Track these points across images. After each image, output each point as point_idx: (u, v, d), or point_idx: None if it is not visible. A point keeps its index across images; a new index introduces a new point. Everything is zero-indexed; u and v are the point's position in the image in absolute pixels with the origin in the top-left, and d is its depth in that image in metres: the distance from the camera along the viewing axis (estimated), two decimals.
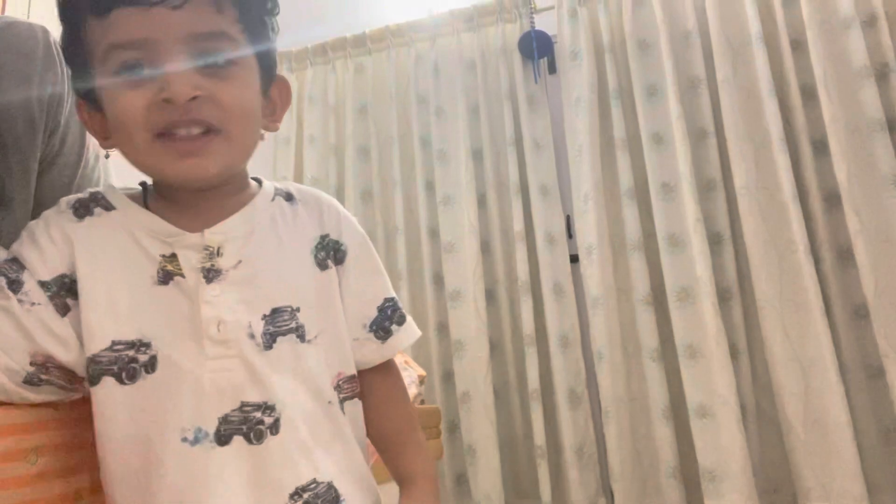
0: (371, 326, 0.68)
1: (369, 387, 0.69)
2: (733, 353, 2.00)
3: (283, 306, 0.60)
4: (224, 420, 0.55)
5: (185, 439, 0.54)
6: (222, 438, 0.55)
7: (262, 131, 0.66)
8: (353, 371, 0.66)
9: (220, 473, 0.54)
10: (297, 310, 0.61)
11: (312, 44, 2.69)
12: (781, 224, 1.98)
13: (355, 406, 0.66)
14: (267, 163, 2.68)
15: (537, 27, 2.41)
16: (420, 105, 2.52)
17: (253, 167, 0.71)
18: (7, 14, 2.29)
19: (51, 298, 0.56)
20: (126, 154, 0.59)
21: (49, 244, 0.58)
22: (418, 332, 0.73)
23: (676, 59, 2.21)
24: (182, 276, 0.58)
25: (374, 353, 0.69)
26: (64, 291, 0.57)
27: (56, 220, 0.60)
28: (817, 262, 1.96)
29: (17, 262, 0.58)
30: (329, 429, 0.61)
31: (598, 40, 2.34)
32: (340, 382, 0.64)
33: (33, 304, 0.56)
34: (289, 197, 0.68)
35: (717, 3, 2.19)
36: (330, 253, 0.67)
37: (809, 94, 2.07)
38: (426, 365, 2.19)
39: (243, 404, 0.56)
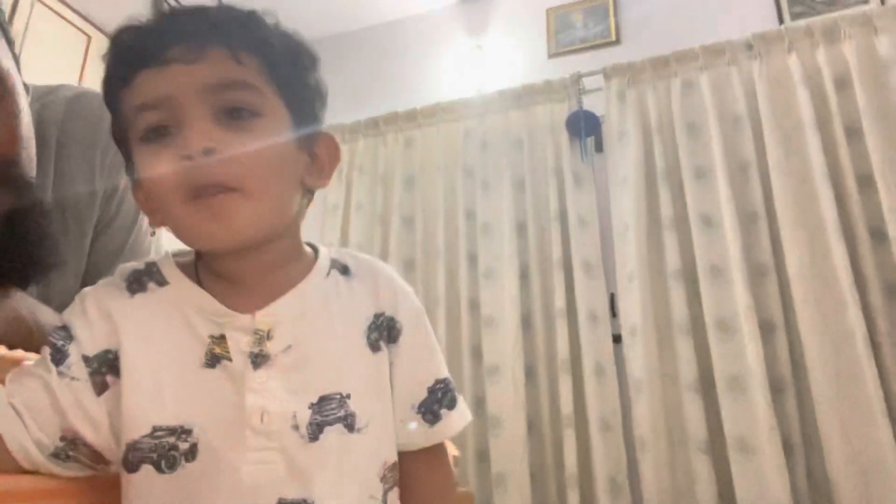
0: (419, 408, 0.63)
1: (413, 474, 0.63)
2: (787, 448, 1.88)
3: (331, 394, 0.57)
4: None
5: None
6: None
7: (311, 190, 0.63)
8: (396, 458, 0.62)
9: None
10: (348, 397, 0.57)
11: (364, 117, 2.79)
12: (838, 314, 1.90)
13: (396, 496, 0.61)
14: (314, 228, 2.74)
15: (585, 106, 2.45)
16: (466, 178, 2.56)
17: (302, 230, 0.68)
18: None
19: (91, 375, 0.55)
20: (168, 224, 0.57)
21: (97, 317, 0.57)
22: (469, 417, 0.68)
23: (726, 142, 2.19)
24: (230, 359, 0.55)
25: (420, 436, 0.63)
26: (105, 368, 0.55)
27: (107, 294, 0.59)
28: (877, 355, 1.86)
29: (66, 331, 0.56)
30: None
31: (645, 121, 2.36)
32: (386, 472, 0.60)
33: (72, 379, 0.54)
34: (345, 270, 0.64)
35: (768, 89, 2.19)
36: (383, 332, 0.63)
37: (866, 181, 2.02)
38: (460, 441, 2.13)
39: (280, 502, 0.52)
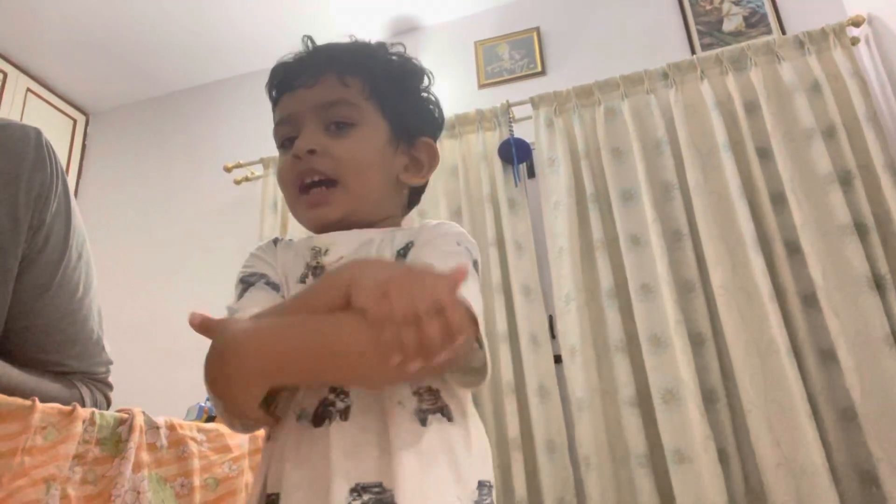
0: None
1: None
2: (723, 456, 1.94)
3: None
4: (323, 402, 0.60)
5: (297, 417, 0.61)
6: (317, 420, 0.59)
7: (412, 186, 0.78)
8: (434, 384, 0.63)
9: (308, 452, 0.58)
10: None
11: None
12: (761, 325, 2.00)
13: (442, 424, 0.60)
14: (230, 267, 2.67)
15: (516, 135, 2.52)
16: None
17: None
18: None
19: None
20: (290, 209, 0.75)
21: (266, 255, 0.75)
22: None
23: (648, 165, 2.30)
24: (307, 273, 0.68)
25: None
26: None
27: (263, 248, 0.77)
28: (800, 362, 1.96)
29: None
30: (403, 436, 0.57)
31: (573, 147, 2.44)
32: (420, 390, 0.61)
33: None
34: (401, 228, 0.76)
35: (684, 114, 2.32)
36: (400, 252, 0.70)
37: (779, 198, 2.15)
38: None
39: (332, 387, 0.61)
